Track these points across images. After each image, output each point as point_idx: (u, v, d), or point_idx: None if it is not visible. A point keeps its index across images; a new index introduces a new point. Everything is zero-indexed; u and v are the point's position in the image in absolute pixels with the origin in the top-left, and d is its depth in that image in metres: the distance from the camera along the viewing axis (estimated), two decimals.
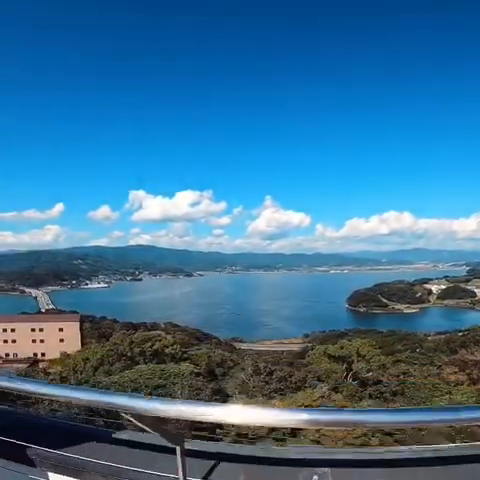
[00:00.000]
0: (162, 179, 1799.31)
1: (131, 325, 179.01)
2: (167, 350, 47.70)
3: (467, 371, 51.50)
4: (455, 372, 50.35)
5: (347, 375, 42.32)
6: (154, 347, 47.10)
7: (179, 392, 23.01)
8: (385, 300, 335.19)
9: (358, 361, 42.52)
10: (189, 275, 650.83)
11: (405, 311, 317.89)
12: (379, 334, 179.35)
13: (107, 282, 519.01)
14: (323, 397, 22.99)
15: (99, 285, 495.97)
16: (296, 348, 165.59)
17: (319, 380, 38.40)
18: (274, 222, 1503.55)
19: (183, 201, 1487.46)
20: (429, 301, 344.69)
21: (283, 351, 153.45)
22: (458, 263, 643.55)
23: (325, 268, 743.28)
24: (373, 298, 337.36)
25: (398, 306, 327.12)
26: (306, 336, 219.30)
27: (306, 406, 21.78)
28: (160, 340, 50.63)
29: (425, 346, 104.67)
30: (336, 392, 33.89)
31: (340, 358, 42.90)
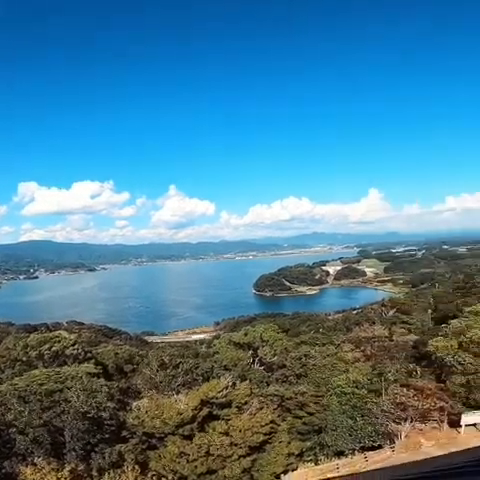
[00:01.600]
0: (56, 169, 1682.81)
1: (30, 327, 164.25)
2: (68, 351, 43.95)
3: (362, 348, 55.62)
4: (352, 349, 53.74)
5: (254, 362, 42.86)
6: (53, 349, 43.06)
7: (75, 397, 21.02)
8: (288, 283, 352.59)
9: (263, 347, 43.13)
10: (91, 270, 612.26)
11: (307, 293, 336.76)
12: (286, 317, 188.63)
13: None
14: (227, 388, 22.71)
15: None
16: (209, 336, 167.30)
17: (226, 369, 38.38)
18: (179, 211, 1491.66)
19: (81, 192, 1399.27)
20: (327, 282, 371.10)
21: (196, 340, 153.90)
22: (350, 245, 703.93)
23: (231, 255, 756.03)
24: (278, 282, 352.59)
25: (300, 288, 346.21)
26: (217, 324, 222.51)
27: (211, 397, 21.38)
28: (59, 341, 46.44)
29: (326, 326, 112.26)
30: (244, 380, 34.21)
31: (245, 345, 43.17)
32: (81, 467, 17.03)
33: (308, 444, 26.94)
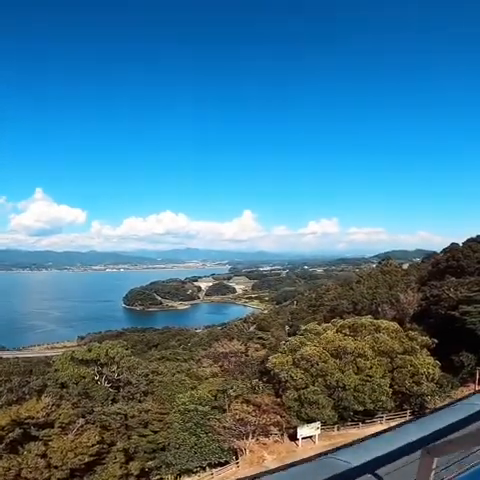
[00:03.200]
0: None
1: None
2: None
3: (220, 363, 57.53)
4: (210, 364, 54.98)
5: (100, 379, 41.15)
6: None
7: None
8: (160, 298, 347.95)
9: (109, 364, 41.77)
10: None
11: (179, 308, 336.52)
12: (156, 331, 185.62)
13: None
14: (48, 407, 21.39)
15: None
16: (70, 352, 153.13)
17: (64, 387, 36.20)
18: (44, 217, 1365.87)
19: None
20: (199, 297, 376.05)
21: (53, 356, 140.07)
22: (222, 262, 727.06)
23: (101, 267, 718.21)
24: (149, 296, 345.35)
25: (172, 303, 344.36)
26: (81, 338, 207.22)
27: (27, 417, 19.82)
28: None
29: (192, 341, 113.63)
30: (86, 397, 32.63)
31: (90, 362, 41.28)
32: None
33: (151, 463, 26.69)
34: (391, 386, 32.94)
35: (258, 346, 70.83)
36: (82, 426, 21.69)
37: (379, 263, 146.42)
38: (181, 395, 31.73)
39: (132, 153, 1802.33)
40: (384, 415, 33.78)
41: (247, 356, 63.81)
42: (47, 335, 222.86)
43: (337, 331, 39.79)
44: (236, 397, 31.74)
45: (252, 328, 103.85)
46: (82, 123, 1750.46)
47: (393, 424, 29.60)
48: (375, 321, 39.67)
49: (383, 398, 31.31)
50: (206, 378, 47.83)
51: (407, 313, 58.90)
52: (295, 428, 30.92)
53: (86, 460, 18.90)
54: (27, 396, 29.98)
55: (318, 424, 30.66)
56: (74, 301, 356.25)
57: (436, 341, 38.40)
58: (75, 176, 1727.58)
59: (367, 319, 40.57)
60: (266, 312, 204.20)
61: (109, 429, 28.01)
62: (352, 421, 33.03)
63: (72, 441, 19.20)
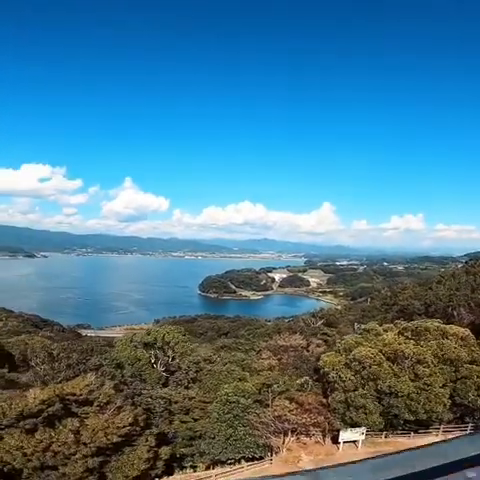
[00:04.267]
0: (3, 149, 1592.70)
1: None
2: None
3: (278, 356, 56.54)
4: (269, 357, 54.26)
5: (155, 362, 42.37)
6: None
7: None
8: (234, 287, 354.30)
9: (165, 348, 42.77)
10: (31, 256, 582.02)
11: (251, 297, 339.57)
12: (227, 319, 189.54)
13: None
14: (89, 385, 22.15)
15: None
16: (131, 334, 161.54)
17: (119, 367, 37.64)
18: (132, 204, 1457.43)
19: (30, 175, 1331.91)
20: (272, 288, 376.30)
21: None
22: (298, 254, 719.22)
23: (180, 253, 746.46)
24: (223, 284, 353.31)
25: (245, 293, 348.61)
26: (157, 322, 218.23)
27: (68, 393, 20.65)
28: None
29: (258, 332, 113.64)
30: (139, 379, 33.83)
31: (148, 345, 42.57)
32: None
33: (184, 450, 26.91)
34: (451, 397, 29.69)
35: (320, 342, 68.81)
36: (120, 407, 22.31)
37: (466, 263, 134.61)
38: (226, 385, 31.51)
39: (214, 144, 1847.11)
40: (441, 426, 30.64)
41: (308, 351, 62.33)
42: (127, 316, 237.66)
43: (399, 333, 36.86)
44: (280, 393, 30.82)
45: (319, 323, 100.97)
46: (167, 117, 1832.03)
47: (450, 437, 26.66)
48: (442, 326, 36.00)
49: (439, 409, 28.31)
50: (260, 371, 47.39)
51: None
52: (338, 431, 29.26)
53: (114, 440, 19.36)
54: (82, 373, 31.64)
55: (363, 429, 28.65)
56: (153, 285, 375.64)
57: None
58: (160, 166, 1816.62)
59: (434, 323, 36.96)
60: (339, 307, 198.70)
61: (153, 412, 28.78)
62: (403, 429, 30.40)
63: (106, 420, 19.79)
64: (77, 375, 30.46)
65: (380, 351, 32.55)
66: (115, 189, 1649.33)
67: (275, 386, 31.24)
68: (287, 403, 28.14)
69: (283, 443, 28.22)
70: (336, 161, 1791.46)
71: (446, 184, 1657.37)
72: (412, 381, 29.87)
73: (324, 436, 30.34)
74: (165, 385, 38.05)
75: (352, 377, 29.79)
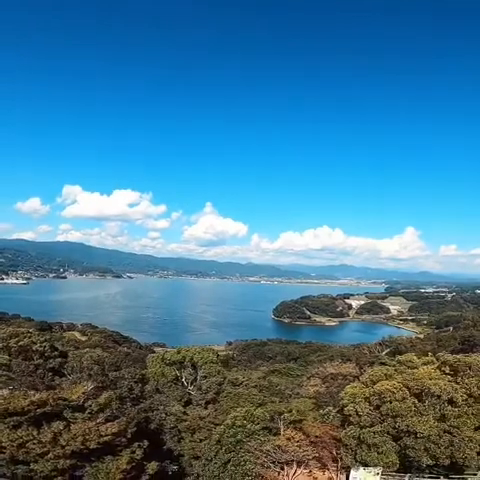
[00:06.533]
0: (100, 176, 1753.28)
1: (45, 324, 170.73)
2: (35, 347, 46.05)
3: (326, 384, 54.23)
4: (316, 384, 52.62)
5: (180, 380, 42.95)
6: (20, 343, 45.27)
7: None
8: (308, 312, 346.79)
9: (191, 368, 43.22)
10: (118, 276, 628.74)
11: (326, 324, 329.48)
12: (298, 345, 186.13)
13: (27, 278, 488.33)
14: (85, 392, 23.08)
15: (16, 281, 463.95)
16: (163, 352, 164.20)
17: (142, 382, 38.54)
18: (212, 229, 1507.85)
19: (121, 200, 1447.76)
20: (348, 315, 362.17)
21: None
22: (378, 281, 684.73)
23: (257, 278, 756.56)
24: (298, 310, 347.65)
25: (320, 318, 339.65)
26: (229, 344, 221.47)
27: (63, 398, 21.59)
28: (29, 336, 48.87)
29: (317, 358, 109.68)
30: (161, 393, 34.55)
31: (176, 363, 43.32)
32: None
33: (176, 469, 26.57)
34: None
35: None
36: (117, 417, 22.97)
37: None
38: (239, 409, 30.81)
39: (291, 170, 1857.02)
40: (479, 472, 26.58)
41: (359, 381, 58.57)
42: (201, 337, 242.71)
43: (438, 368, 33.40)
44: (292, 422, 29.32)
45: (385, 352, 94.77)
46: (246, 143, 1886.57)
47: None
48: None
49: (468, 452, 24.68)
50: (297, 397, 45.63)
51: None
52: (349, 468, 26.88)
53: (92, 447, 19.86)
54: (99, 384, 32.93)
55: (378, 469, 25.94)
56: (229, 308, 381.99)
57: None
58: (239, 192, 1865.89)
59: (477, 358, 32.97)
60: (421, 336, 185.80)
61: (164, 428, 29.12)
62: (430, 473, 26.89)
63: (89, 427, 20.46)
64: (97, 386, 31.81)
65: (406, 386, 29.71)
66: (196, 214, 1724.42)
67: (286, 414, 29.84)
68: (293, 433, 26.75)
69: (287, 475, 26.65)
70: (421, 186, 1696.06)
71: None
72: (437, 421, 26.73)
73: (338, 472, 28.12)
74: (188, 403, 38.38)
75: (370, 412, 27.44)
